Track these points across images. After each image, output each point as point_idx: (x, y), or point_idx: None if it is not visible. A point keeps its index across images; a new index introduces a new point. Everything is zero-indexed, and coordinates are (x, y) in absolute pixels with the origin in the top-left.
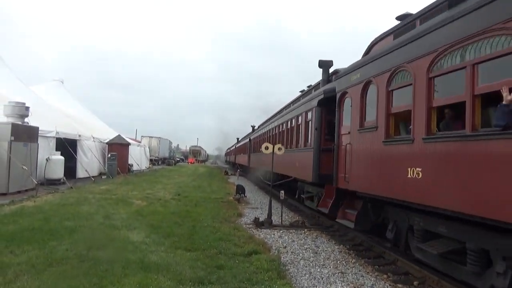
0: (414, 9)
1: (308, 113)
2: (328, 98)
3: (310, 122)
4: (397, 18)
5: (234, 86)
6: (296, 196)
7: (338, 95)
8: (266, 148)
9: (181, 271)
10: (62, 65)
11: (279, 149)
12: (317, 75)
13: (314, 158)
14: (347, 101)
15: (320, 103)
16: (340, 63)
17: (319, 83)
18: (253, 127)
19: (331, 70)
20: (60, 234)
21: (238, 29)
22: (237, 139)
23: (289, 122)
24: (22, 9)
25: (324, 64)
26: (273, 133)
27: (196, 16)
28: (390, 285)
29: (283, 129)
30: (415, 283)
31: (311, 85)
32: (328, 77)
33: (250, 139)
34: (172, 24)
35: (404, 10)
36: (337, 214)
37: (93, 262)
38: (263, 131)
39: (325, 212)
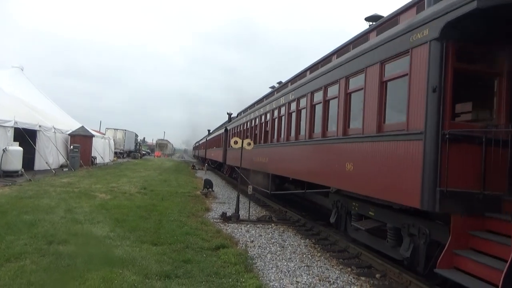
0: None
1: (396, 63)
2: (491, 12)
3: (404, 79)
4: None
5: (205, 80)
6: (333, 220)
7: None
8: (235, 142)
9: (147, 265)
10: (23, 52)
11: (249, 144)
12: (288, 71)
13: (428, 156)
14: None
15: (446, 31)
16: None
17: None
18: (229, 114)
19: None
20: (18, 228)
21: (211, 23)
22: (208, 131)
23: (318, 94)
24: None
25: None
26: (274, 117)
27: (167, 8)
28: (354, 277)
29: (303, 106)
30: (377, 275)
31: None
32: None
33: (226, 129)
34: (142, 14)
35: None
36: None
37: (55, 257)
38: (252, 117)
39: None
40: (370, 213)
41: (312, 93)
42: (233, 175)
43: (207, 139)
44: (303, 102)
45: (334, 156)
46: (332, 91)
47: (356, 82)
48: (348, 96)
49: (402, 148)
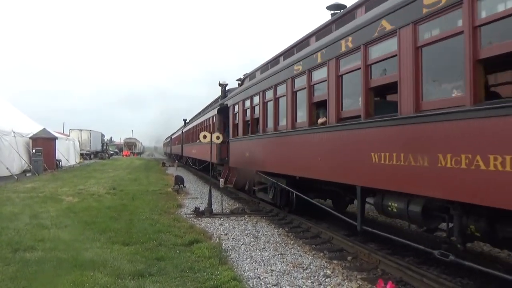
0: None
1: None
2: None
3: None
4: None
5: (174, 74)
6: None
7: None
8: (204, 137)
9: (119, 265)
10: None
11: (218, 137)
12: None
13: None
14: None
15: None
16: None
17: None
18: (223, 85)
19: None
20: None
21: (173, 16)
22: (184, 121)
23: None
24: None
25: None
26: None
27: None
28: (326, 261)
29: None
30: (349, 258)
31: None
32: None
33: (223, 108)
34: (102, 7)
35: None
36: None
37: (21, 265)
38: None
39: None
40: None
41: None
42: (245, 186)
43: (184, 131)
44: None
45: None
46: None
47: None
48: None
49: None
